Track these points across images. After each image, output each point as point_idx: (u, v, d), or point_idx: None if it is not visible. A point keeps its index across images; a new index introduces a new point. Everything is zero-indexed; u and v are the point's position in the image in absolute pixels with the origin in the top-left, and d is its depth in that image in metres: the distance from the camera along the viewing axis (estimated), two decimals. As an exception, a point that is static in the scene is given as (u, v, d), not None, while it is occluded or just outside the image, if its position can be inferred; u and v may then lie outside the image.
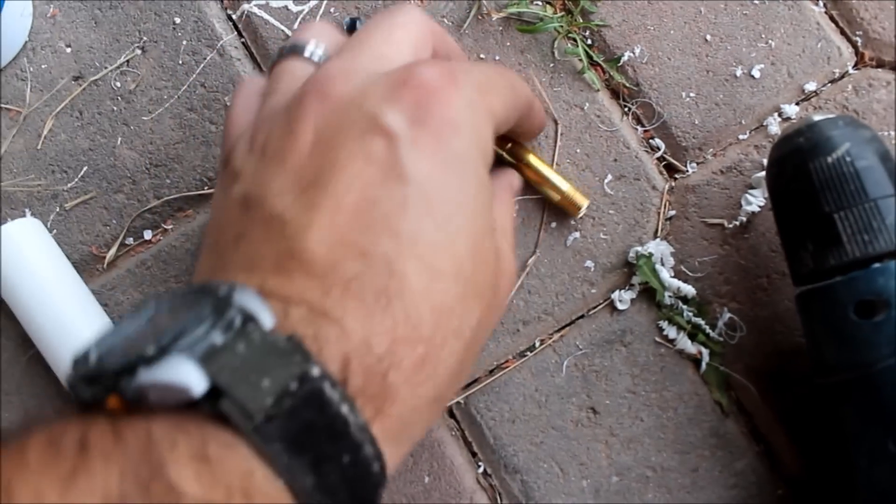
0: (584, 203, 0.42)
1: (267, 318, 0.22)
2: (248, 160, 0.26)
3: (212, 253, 0.26)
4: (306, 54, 0.30)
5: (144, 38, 0.49)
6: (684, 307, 0.42)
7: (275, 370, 0.20)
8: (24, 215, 0.47)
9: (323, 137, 0.24)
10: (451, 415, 0.43)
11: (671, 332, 0.42)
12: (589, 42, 0.45)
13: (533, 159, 0.42)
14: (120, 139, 0.48)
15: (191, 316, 0.21)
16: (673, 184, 0.44)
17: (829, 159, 0.35)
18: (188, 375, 0.19)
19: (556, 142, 0.44)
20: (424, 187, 0.24)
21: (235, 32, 0.49)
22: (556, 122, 0.44)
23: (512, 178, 0.40)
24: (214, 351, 0.20)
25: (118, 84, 0.48)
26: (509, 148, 0.41)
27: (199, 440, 0.19)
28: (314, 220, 0.23)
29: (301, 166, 0.24)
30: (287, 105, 0.26)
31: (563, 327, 0.43)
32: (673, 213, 0.43)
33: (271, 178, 0.24)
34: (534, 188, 0.43)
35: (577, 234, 0.43)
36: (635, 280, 0.42)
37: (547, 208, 0.43)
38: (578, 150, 0.44)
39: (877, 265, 0.33)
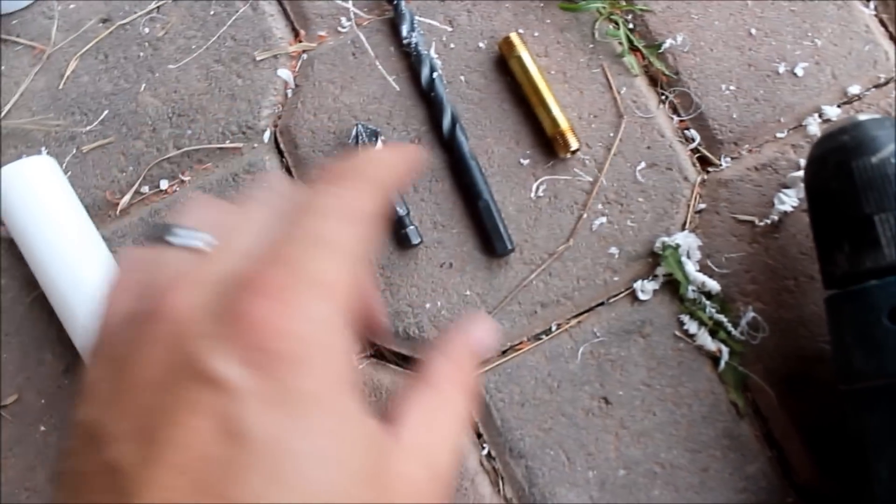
0: (574, 146, 0.42)
1: None
2: (103, 378, 0.23)
3: (62, 489, 0.22)
4: (176, 242, 0.25)
5: (177, -14, 0.48)
6: (707, 303, 0.40)
7: None
8: (39, 154, 0.46)
9: (161, 371, 0.22)
10: (459, 393, 0.42)
11: (692, 326, 0.41)
12: (631, 26, 0.44)
13: (536, 76, 0.43)
14: (144, 85, 0.47)
15: None
16: (705, 177, 0.43)
17: (874, 159, 0.34)
18: None
19: (592, 125, 0.43)
20: (269, 447, 0.21)
21: (270, -13, 0.48)
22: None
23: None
24: None
25: (146, 30, 0.47)
26: (517, 57, 0.43)
27: None
28: (151, 480, 0.21)
29: (141, 407, 0.22)
30: (136, 316, 0.23)
31: (581, 313, 0.42)
32: (703, 206, 0.42)
33: (117, 414, 0.22)
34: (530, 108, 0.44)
35: (604, 220, 0.42)
36: (659, 271, 0.41)
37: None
38: (612, 134, 0.43)
39: (915, 272, 0.32)
